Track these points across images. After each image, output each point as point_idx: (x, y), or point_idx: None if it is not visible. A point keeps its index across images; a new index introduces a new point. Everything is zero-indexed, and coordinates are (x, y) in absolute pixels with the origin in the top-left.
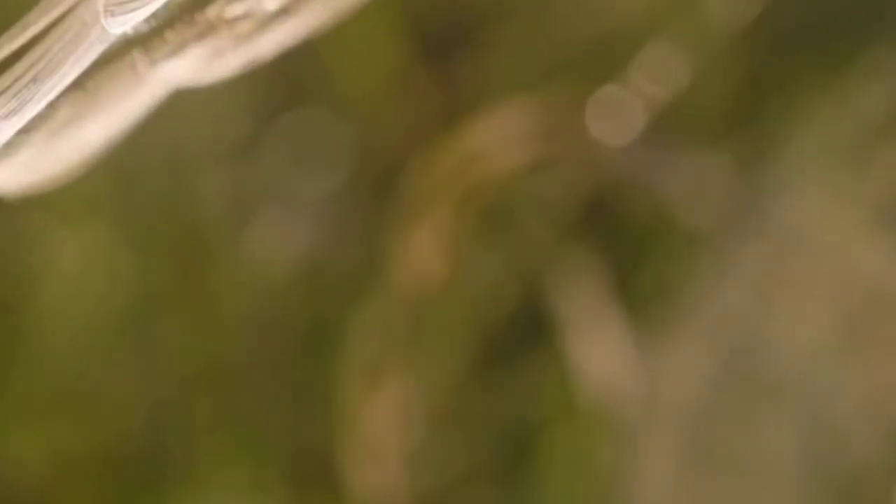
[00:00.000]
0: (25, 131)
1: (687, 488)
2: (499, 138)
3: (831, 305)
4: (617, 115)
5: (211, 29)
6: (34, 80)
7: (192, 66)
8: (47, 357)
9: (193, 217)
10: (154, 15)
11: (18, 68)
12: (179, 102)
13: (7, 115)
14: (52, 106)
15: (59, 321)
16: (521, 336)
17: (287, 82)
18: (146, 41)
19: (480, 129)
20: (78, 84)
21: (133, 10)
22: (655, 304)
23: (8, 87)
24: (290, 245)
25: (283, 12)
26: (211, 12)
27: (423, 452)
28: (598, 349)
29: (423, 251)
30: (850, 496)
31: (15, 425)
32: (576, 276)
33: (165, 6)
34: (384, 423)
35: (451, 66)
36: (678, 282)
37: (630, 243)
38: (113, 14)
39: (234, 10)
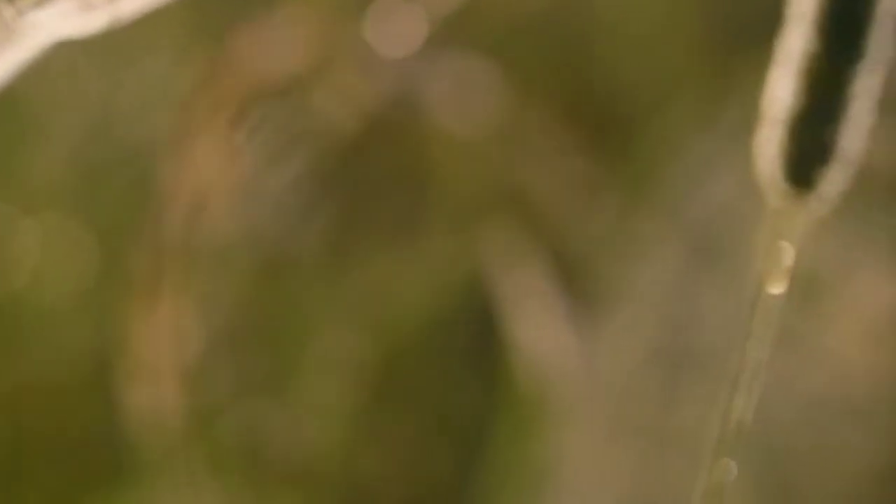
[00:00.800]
0: None
1: (615, 461)
2: (275, 48)
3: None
4: (397, 25)
5: None
6: None
7: (62, 16)
8: (7, 346)
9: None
10: None
11: None
12: (140, 91)
13: None
14: None
15: (20, 311)
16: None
17: None
18: None
19: (257, 38)
20: None
21: None
22: (589, 280)
23: None
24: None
25: None
26: None
27: (201, 371)
28: (534, 326)
29: (200, 164)
30: (774, 468)
31: None
32: (510, 255)
33: None
34: (160, 341)
35: None
36: (611, 256)
37: (565, 215)
38: None
39: None
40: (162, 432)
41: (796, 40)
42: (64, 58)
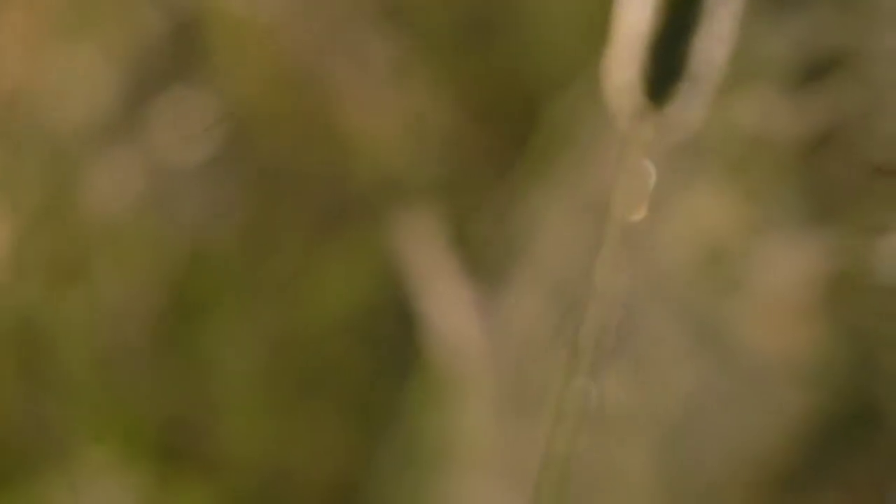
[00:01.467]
0: None
1: (517, 433)
2: None
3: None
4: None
5: None
6: None
7: None
8: None
9: (76, 192)
10: None
11: None
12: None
13: None
14: None
15: None
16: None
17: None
18: None
19: None
20: None
21: None
22: (492, 254)
23: None
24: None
25: None
26: None
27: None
28: (439, 302)
29: None
30: (675, 446)
31: None
32: (415, 229)
33: None
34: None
35: None
36: (513, 231)
37: (468, 194)
38: None
39: None
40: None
41: None
42: None
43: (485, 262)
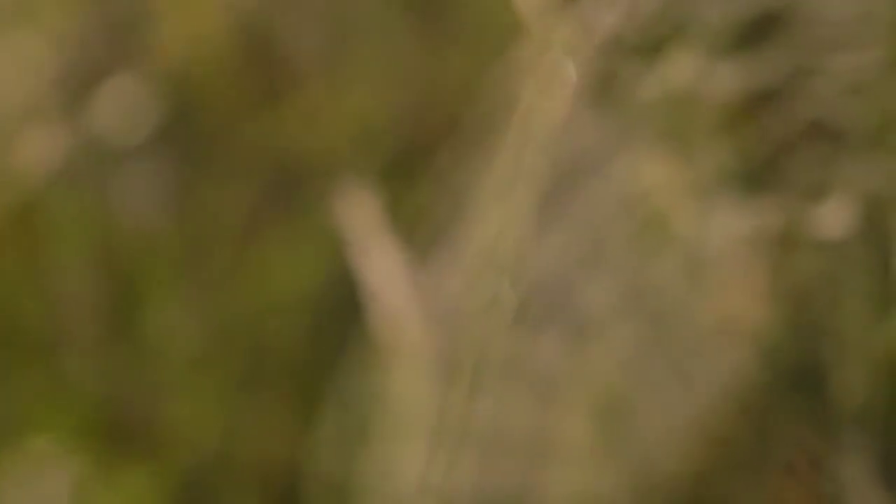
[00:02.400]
0: None
1: (443, 399)
2: None
3: (590, 222)
4: None
5: None
6: None
7: None
8: None
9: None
10: None
11: None
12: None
13: None
14: None
15: None
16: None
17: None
18: None
19: None
20: None
21: None
22: (429, 227)
23: None
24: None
25: None
26: None
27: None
28: (379, 274)
29: None
30: (613, 406)
31: None
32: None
33: None
34: None
35: None
36: (450, 202)
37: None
38: None
39: None
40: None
41: None
42: None
43: (422, 234)
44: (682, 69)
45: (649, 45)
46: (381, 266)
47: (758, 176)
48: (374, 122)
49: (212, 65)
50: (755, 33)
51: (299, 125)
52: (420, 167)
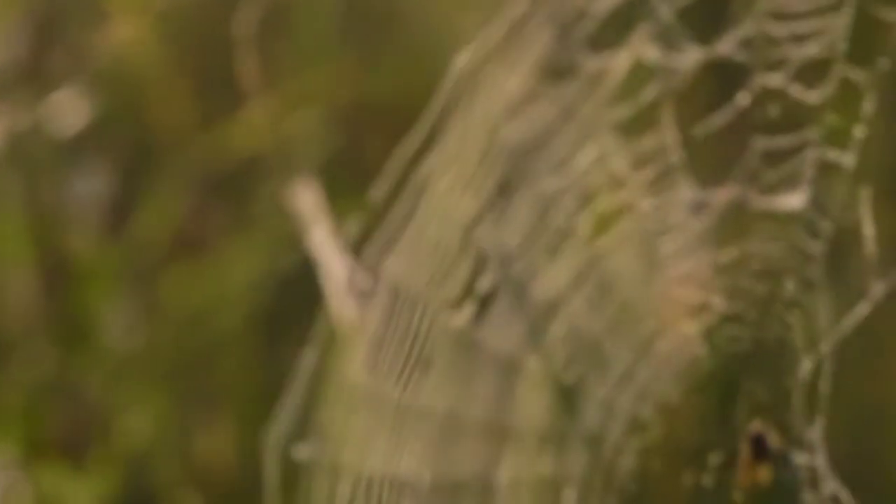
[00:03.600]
0: None
1: (383, 382)
2: None
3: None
4: None
5: None
6: None
7: None
8: None
9: None
10: None
11: None
12: None
13: None
14: None
15: None
16: None
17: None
18: None
19: None
20: None
21: None
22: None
23: None
24: None
25: None
26: None
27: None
28: (332, 264)
29: None
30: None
31: None
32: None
33: None
34: None
35: None
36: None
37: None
38: None
39: None
40: None
41: None
42: None
43: (378, 227)
44: (639, 51)
45: (607, 27)
46: (329, 254)
47: (711, 170)
48: (314, 123)
49: (150, 69)
50: (708, 28)
51: (241, 129)
52: (365, 161)
